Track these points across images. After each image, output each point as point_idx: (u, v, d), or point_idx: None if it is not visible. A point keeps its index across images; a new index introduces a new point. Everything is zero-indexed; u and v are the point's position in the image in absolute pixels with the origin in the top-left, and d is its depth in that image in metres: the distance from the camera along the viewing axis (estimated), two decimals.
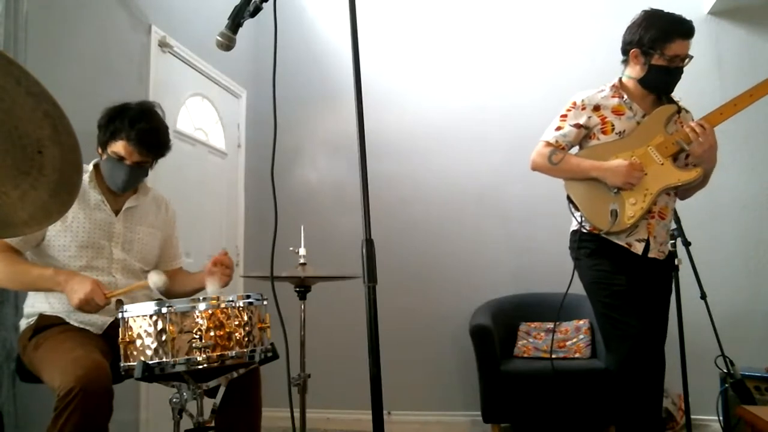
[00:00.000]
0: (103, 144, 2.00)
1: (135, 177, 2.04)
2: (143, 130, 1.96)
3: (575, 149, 2.33)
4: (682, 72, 2.17)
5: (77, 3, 2.66)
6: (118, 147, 1.96)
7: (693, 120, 2.21)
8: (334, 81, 4.10)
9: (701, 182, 2.24)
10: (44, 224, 1.15)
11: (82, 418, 1.56)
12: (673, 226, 2.51)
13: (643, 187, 2.16)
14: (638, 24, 2.17)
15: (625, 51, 2.23)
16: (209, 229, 3.63)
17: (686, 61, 2.15)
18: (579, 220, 2.28)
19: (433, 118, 4.01)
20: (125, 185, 2.03)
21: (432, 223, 3.94)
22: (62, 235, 1.95)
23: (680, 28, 2.12)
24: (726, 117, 2.12)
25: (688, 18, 2.15)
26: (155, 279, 1.87)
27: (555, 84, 3.72)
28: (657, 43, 2.12)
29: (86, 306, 1.77)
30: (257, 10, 1.58)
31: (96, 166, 2.07)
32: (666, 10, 2.17)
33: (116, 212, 2.07)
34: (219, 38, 1.63)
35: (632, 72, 2.23)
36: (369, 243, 1.31)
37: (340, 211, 4.00)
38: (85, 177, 2.01)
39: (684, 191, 2.29)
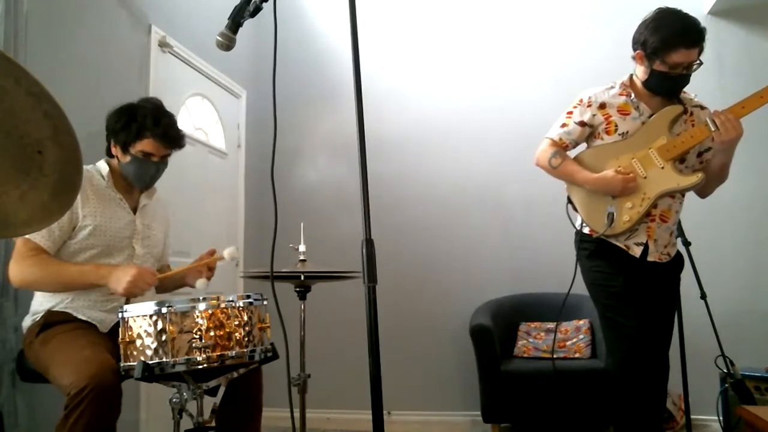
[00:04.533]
0: (125, 145, 2.04)
1: (161, 172, 2.15)
2: (168, 125, 2.07)
3: (583, 146, 2.32)
4: (686, 78, 2.10)
5: (77, 3, 2.65)
6: (146, 145, 2.03)
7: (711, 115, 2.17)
8: (334, 81, 4.10)
9: (720, 176, 2.19)
10: (44, 224, 1.15)
11: (93, 417, 1.57)
12: None
13: (641, 191, 2.13)
14: (647, 25, 2.10)
15: (633, 49, 2.16)
16: (209, 229, 3.63)
17: (693, 67, 2.07)
18: (579, 221, 2.28)
19: (433, 118, 4.01)
20: (152, 180, 2.14)
21: (432, 223, 3.94)
22: (92, 236, 1.98)
23: (684, 39, 2.02)
24: (748, 111, 2.04)
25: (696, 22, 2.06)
26: (232, 252, 2.00)
27: (555, 83, 3.72)
28: (658, 50, 2.05)
29: (135, 288, 1.82)
30: (257, 10, 1.58)
31: (111, 167, 2.12)
32: (678, 11, 2.07)
33: (133, 210, 2.14)
34: (219, 38, 1.64)
35: (638, 72, 2.19)
36: (369, 243, 1.31)
37: (340, 211, 4.00)
38: (102, 178, 2.08)
39: (702, 188, 2.22)
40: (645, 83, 2.17)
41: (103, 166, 2.10)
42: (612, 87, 2.24)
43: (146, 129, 2.02)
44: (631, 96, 2.20)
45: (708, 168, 2.21)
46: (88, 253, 1.98)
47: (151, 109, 2.06)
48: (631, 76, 2.24)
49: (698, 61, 2.07)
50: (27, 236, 1.89)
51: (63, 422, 1.59)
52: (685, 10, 2.10)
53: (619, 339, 2.14)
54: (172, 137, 2.08)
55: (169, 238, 2.37)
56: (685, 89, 2.20)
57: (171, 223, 2.39)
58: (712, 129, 2.06)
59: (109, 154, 2.11)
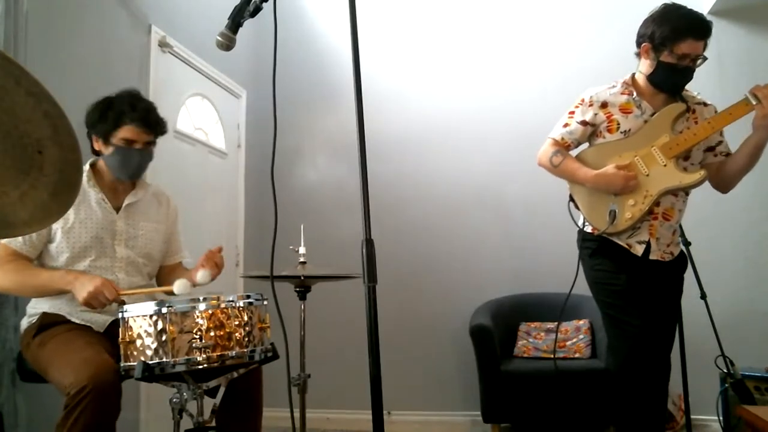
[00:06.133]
0: (105, 136, 2.00)
1: (145, 161, 2.08)
2: (145, 109, 2.03)
3: (585, 145, 2.31)
4: (691, 72, 2.11)
5: (77, 3, 2.66)
6: (126, 132, 1.99)
7: (716, 112, 2.15)
8: (334, 81, 4.10)
9: (753, 157, 2.11)
10: (44, 224, 1.15)
11: (92, 416, 1.57)
12: None
13: (643, 188, 2.13)
14: (654, 18, 2.11)
15: (638, 44, 2.17)
16: (209, 229, 3.63)
17: (699, 62, 2.09)
18: (581, 219, 2.28)
19: (433, 118, 4.01)
20: (138, 170, 2.06)
21: (432, 223, 3.94)
22: (65, 237, 1.95)
23: (693, 28, 2.05)
24: None
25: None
26: (181, 287, 1.86)
27: (555, 83, 3.72)
28: (667, 40, 2.06)
29: (93, 301, 1.78)
30: (257, 10, 1.58)
31: (92, 166, 2.08)
32: (685, 6, 2.10)
33: (117, 209, 2.07)
34: (219, 38, 1.64)
35: (642, 67, 2.19)
36: (369, 243, 1.31)
37: (340, 211, 4.00)
38: (84, 177, 2.02)
39: (726, 182, 2.20)
40: (650, 77, 2.16)
41: (85, 166, 2.05)
42: (614, 86, 2.24)
43: (124, 115, 1.98)
44: (633, 94, 2.19)
45: (739, 153, 2.14)
46: (64, 256, 1.94)
47: (127, 96, 2.03)
48: (633, 74, 2.24)
49: (703, 56, 2.09)
50: (5, 242, 1.88)
51: (63, 422, 1.59)
52: None
53: (621, 338, 2.13)
54: (151, 121, 2.03)
55: (177, 236, 2.29)
56: (687, 87, 2.20)
57: (178, 219, 2.31)
58: (754, 103, 2.01)
59: (95, 152, 2.07)
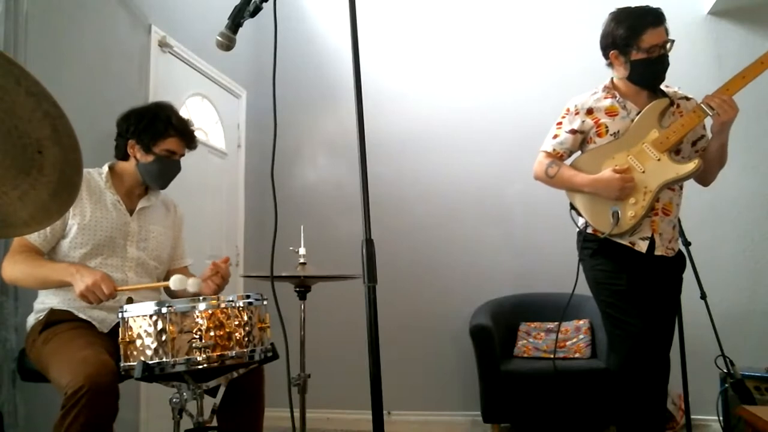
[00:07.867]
0: (148, 145, 2.09)
1: (177, 172, 2.20)
2: (187, 124, 2.17)
3: (578, 154, 2.33)
4: (666, 60, 2.15)
5: (77, 3, 2.65)
6: (170, 144, 2.11)
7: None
8: (334, 81, 4.10)
9: (721, 158, 2.21)
10: (44, 224, 1.15)
11: (89, 417, 1.57)
12: None
13: (642, 185, 2.14)
14: (608, 25, 2.21)
15: (605, 55, 2.25)
16: (209, 229, 3.63)
17: (668, 46, 2.14)
18: (583, 223, 2.28)
19: (433, 118, 4.01)
20: (170, 180, 2.18)
21: (432, 223, 3.94)
22: (80, 234, 1.98)
23: (647, 19, 2.12)
24: (733, 92, 2.11)
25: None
26: (177, 282, 1.89)
27: (554, 83, 3.72)
28: (629, 39, 2.13)
29: (90, 294, 1.79)
30: (257, 10, 1.58)
31: (111, 168, 2.14)
32: (631, 6, 2.19)
33: (130, 212, 2.13)
34: (219, 38, 1.64)
35: (618, 73, 2.24)
36: (369, 243, 1.31)
37: (340, 211, 4.00)
38: (101, 179, 2.09)
39: (704, 175, 2.24)
40: (629, 79, 2.21)
41: (104, 168, 2.12)
42: (595, 92, 2.28)
43: (172, 127, 2.09)
44: (616, 97, 2.23)
45: (708, 153, 2.22)
46: (78, 252, 1.98)
47: (172, 110, 2.16)
48: (612, 78, 2.29)
49: (670, 40, 2.14)
50: None
51: (60, 422, 1.58)
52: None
53: (622, 338, 2.14)
54: (192, 137, 2.18)
55: (181, 241, 2.35)
56: (668, 83, 2.25)
57: (183, 226, 2.37)
58: (710, 114, 2.10)
59: (121, 157, 2.13)
